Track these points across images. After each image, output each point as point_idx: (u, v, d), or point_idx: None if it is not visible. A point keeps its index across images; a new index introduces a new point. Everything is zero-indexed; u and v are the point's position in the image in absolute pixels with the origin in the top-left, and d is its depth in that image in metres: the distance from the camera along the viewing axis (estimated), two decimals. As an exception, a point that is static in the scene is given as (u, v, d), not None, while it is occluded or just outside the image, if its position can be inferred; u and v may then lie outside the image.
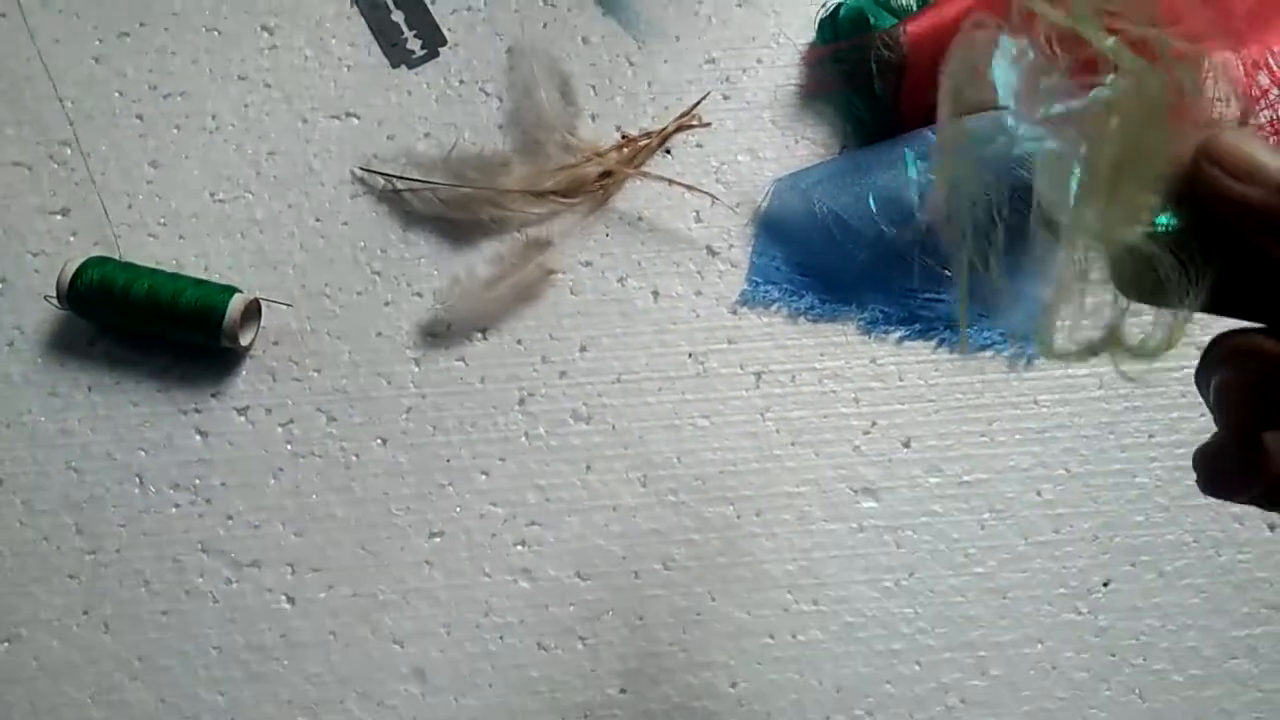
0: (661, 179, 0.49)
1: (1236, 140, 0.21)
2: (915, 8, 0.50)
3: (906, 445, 0.45)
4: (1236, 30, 0.46)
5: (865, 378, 0.47)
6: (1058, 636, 0.44)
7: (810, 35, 0.52)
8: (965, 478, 0.45)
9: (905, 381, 0.46)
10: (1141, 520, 0.45)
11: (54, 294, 0.45)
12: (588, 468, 0.46)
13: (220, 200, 0.49)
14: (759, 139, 0.51)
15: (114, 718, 0.42)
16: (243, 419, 0.46)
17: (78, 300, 0.45)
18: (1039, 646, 0.44)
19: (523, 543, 0.45)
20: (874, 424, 0.46)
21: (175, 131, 0.50)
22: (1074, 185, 0.24)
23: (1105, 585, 0.44)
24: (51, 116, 0.50)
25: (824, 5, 0.52)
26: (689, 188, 0.49)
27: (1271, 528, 0.45)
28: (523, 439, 0.46)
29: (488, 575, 0.44)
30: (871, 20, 0.49)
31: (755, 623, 0.44)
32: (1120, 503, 0.45)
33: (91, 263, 0.45)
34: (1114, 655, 0.43)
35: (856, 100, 0.49)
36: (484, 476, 0.46)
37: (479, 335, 0.48)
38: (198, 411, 0.46)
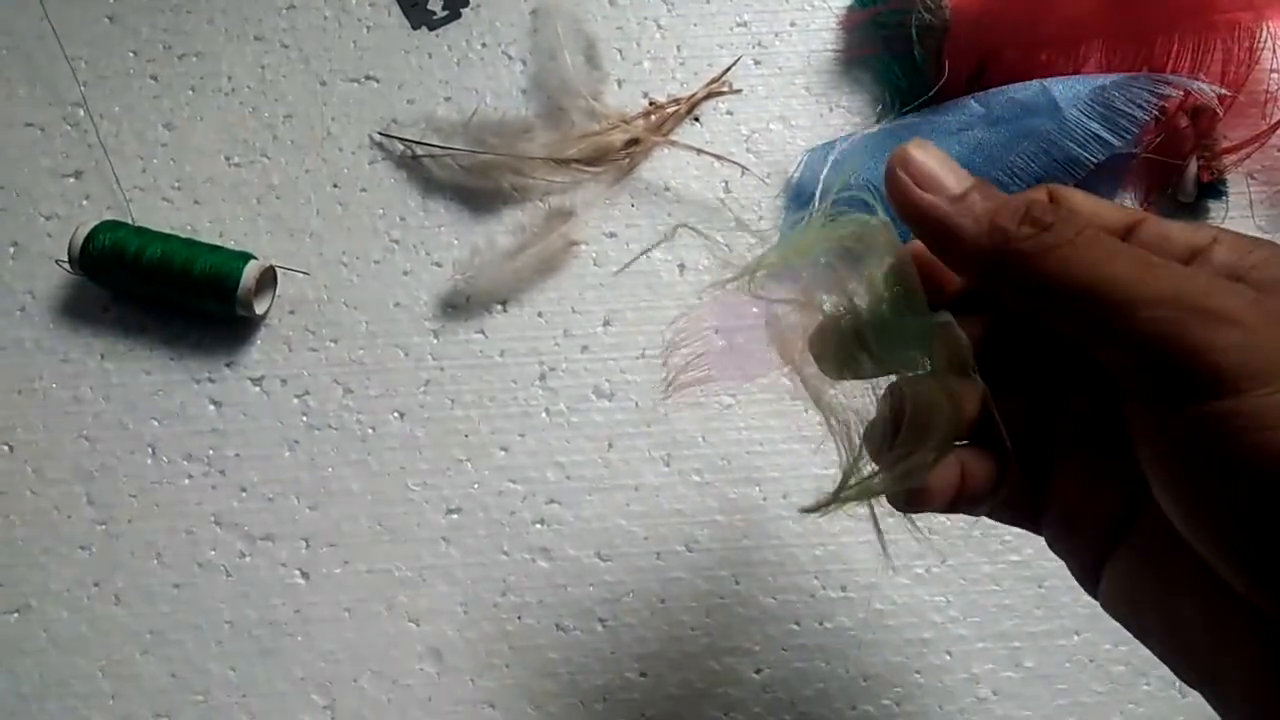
0: (690, 148, 0.48)
1: (924, 153, 0.25)
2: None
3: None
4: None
5: (899, 357, 0.45)
6: (1096, 628, 0.42)
7: (847, -1, 0.50)
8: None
9: (940, 361, 0.45)
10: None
11: (66, 258, 0.44)
12: (609, 445, 0.44)
13: (236, 164, 0.48)
14: (792, 106, 0.49)
15: (124, 691, 0.41)
16: (257, 389, 0.45)
17: (90, 265, 0.44)
18: (1076, 638, 0.42)
19: (542, 521, 0.43)
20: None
21: (190, 93, 0.49)
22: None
23: (1145, 576, 0.43)
24: (63, 77, 0.49)
25: (862, -33, 0.50)
26: (718, 157, 0.47)
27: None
28: (543, 415, 0.45)
29: (506, 554, 0.43)
30: (912, -18, 0.46)
31: (781, 608, 0.42)
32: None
33: (104, 227, 0.44)
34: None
35: (895, 66, 0.47)
36: (503, 452, 0.44)
37: (499, 307, 0.46)
38: (211, 381, 0.45)
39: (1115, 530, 0.26)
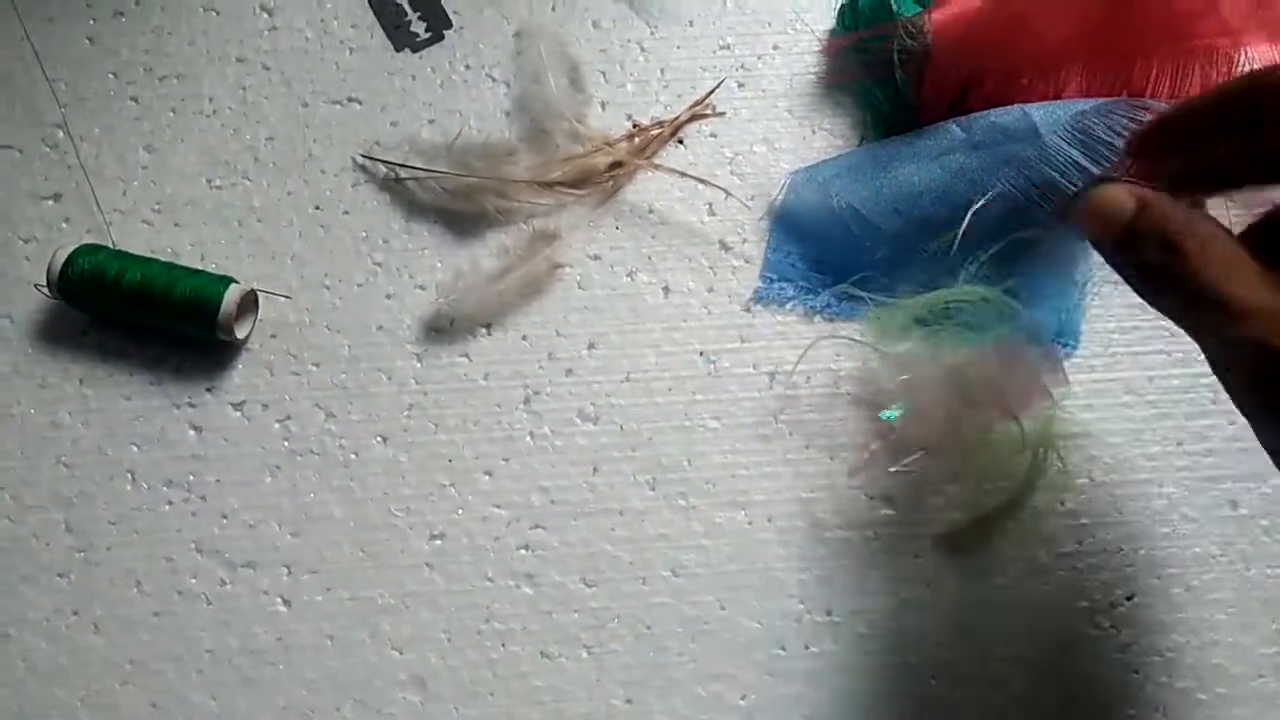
0: (673, 171, 0.48)
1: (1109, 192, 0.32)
2: (934, -4, 0.48)
3: (925, 451, 0.44)
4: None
5: (881, 379, 0.45)
6: (1078, 652, 0.42)
7: (829, 22, 0.50)
8: (986, 486, 0.44)
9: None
10: (1168, 532, 0.44)
11: (44, 283, 0.44)
12: (594, 469, 0.44)
13: (217, 187, 0.48)
14: (775, 129, 0.49)
15: (103, 722, 0.41)
16: (238, 414, 0.44)
17: (69, 290, 0.43)
18: (1060, 659, 0.42)
19: (526, 546, 0.43)
20: (891, 430, 0.44)
21: (171, 115, 0.49)
22: None
23: (1129, 599, 0.43)
24: (43, 98, 0.49)
25: (844, -9, 0.50)
26: (702, 181, 0.47)
27: (1303, 541, 0.43)
28: (527, 439, 0.45)
29: (490, 580, 0.43)
30: (894, 7, 0.47)
31: (766, 633, 0.42)
32: (1146, 514, 0.44)
33: (82, 251, 0.44)
34: (1137, 672, 0.42)
35: (877, 90, 0.47)
36: (487, 477, 0.44)
37: (483, 330, 0.46)
38: (192, 406, 0.45)
39: None
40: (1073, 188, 0.44)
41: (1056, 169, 0.44)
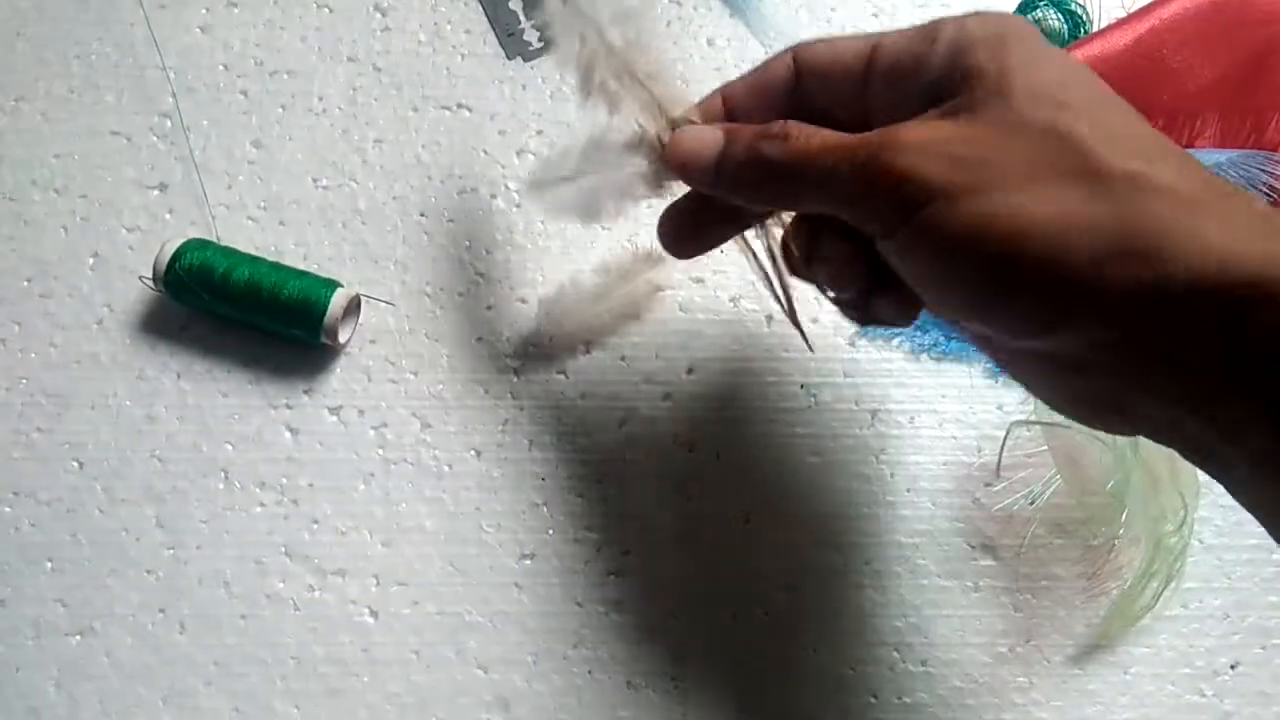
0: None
1: (682, 142, 0.34)
2: (1067, 34, 0.47)
3: (1030, 502, 0.43)
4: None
5: (990, 425, 0.44)
6: (1179, 719, 0.41)
7: (950, 54, 0.49)
8: (1093, 542, 0.42)
9: (1033, 432, 0.43)
10: (1276, 600, 0.42)
11: (148, 273, 0.44)
12: (688, 498, 0.43)
13: (324, 187, 0.47)
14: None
15: (185, 722, 0.40)
16: (334, 419, 0.44)
17: (174, 283, 0.43)
18: (1158, 728, 0.41)
19: (617, 573, 0.42)
20: (997, 476, 0.43)
21: (280, 111, 0.48)
22: None
23: (1233, 668, 0.42)
24: (154, 87, 0.48)
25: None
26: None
27: None
28: (622, 462, 0.44)
29: (579, 604, 0.42)
30: (1024, 44, 0.45)
31: (858, 679, 0.41)
32: (1254, 580, 0.43)
33: (192, 245, 0.43)
34: (1238, 744, 0.41)
35: (1000, 129, 0.46)
36: (579, 499, 0.43)
37: (581, 349, 0.45)
38: (289, 408, 0.44)
39: None
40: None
41: (1187, 221, 0.42)
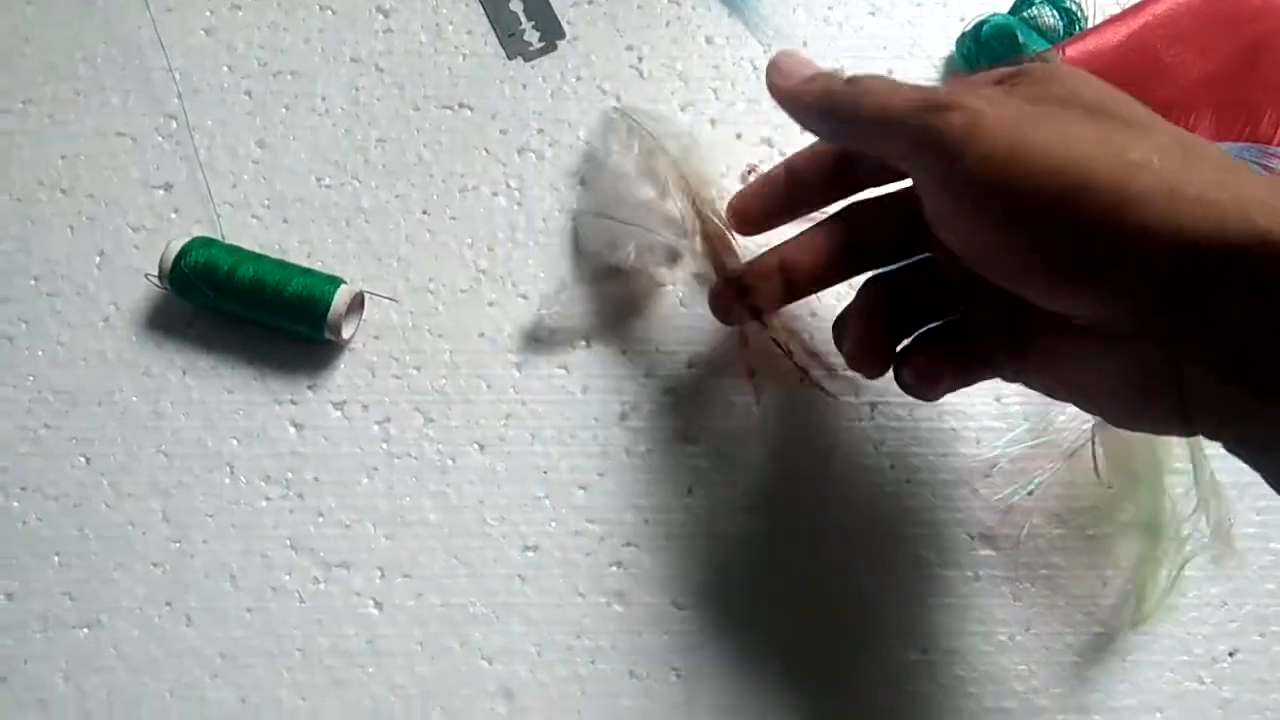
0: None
1: (786, 58, 0.38)
2: (1063, 30, 0.48)
3: (1030, 493, 0.43)
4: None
5: (988, 416, 0.44)
6: (1179, 706, 0.41)
7: (947, 48, 0.50)
8: (1090, 531, 0.43)
9: (1031, 424, 0.44)
10: (1273, 588, 0.43)
11: (154, 271, 0.44)
12: (689, 490, 0.44)
13: (327, 186, 0.48)
14: (886, 157, 0.48)
15: (192, 714, 0.41)
16: (339, 414, 0.44)
17: (180, 281, 0.43)
18: (1158, 715, 0.41)
19: (618, 564, 0.43)
20: (995, 467, 0.44)
21: (284, 111, 0.49)
22: None
23: (1231, 655, 0.42)
24: (160, 88, 0.49)
25: (963, 19, 0.49)
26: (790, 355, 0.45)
27: None
28: (623, 455, 0.44)
29: (581, 595, 0.42)
30: (1020, 38, 0.46)
31: (859, 668, 0.41)
32: (1252, 568, 0.43)
33: (197, 243, 0.44)
34: (1237, 731, 0.41)
35: (996, 124, 0.47)
36: (581, 491, 0.44)
37: (582, 343, 0.46)
38: (293, 403, 0.45)
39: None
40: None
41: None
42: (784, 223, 0.41)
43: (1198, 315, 0.27)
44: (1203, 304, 0.27)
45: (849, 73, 0.35)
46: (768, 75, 0.37)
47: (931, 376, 0.37)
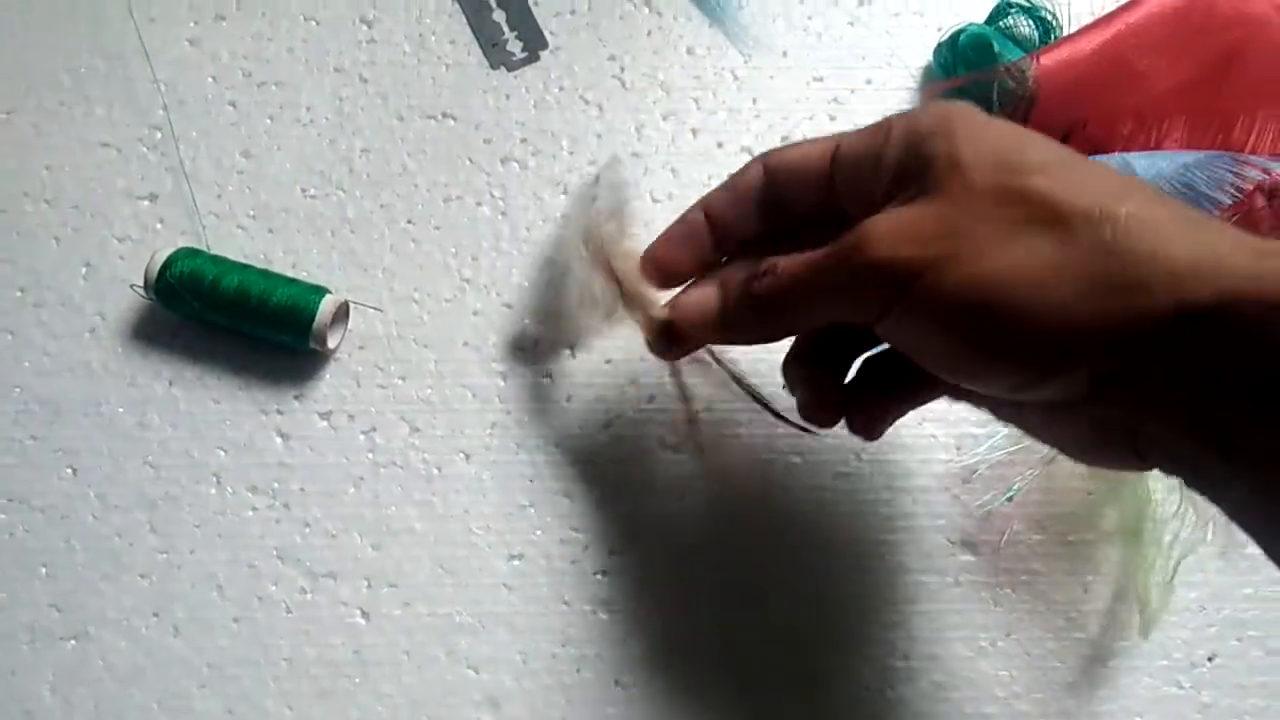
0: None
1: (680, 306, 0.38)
2: (1038, 40, 0.48)
3: (1009, 499, 0.43)
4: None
5: (968, 423, 0.45)
6: (1158, 711, 0.42)
7: (925, 58, 0.50)
8: (1070, 537, 0.43)
9: (1010, 431, 0.44)
10: (1250, 593, 0.43)
11: (139, 282, 0.44)
12: (673, 499, 0.44)
13: (311, 196, 0.48)
14: (867, 166, 0.49)
15: (179, 724, 0.41)
16: (325, 424, 0.45)
17: (165, 291, 0.44)
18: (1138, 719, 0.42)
19: (603, 572, 0.43)
20: (975, 473, 0.44)
21: (268, 121, 0.49)
22: None
23: (1210, 660, 0.42)
24: (144, 99, 0.49)
25: (940, 29, 0.50)
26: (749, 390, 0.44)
27: (1390, 611, 0.43)
28: (608, 464, 0.45)
29: (566, 604, 0.43)
30: (995, 48, 0.46)
31: (841, 675, 0.42)
32: (1229, 573, 0.43)
33: (182, 254, 0.44)
34: (1215, 733, 0.42)
35: (975, 133, 0.47)
36: (566, 500, 0.44)
37: (567, 353, 0.46)
38: (279, 413, 0.45)
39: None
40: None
41: (1156, 221, 0.43)
42: (709, 271, 0.39)
43: (1159, 381, 0.27)
44: (1162, 370, 0.27)
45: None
46: (681, 321, 0.38)
47: (876, 421, 0.37)
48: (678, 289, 0.39)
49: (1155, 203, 0.28)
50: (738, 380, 0.43)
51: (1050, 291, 0.27)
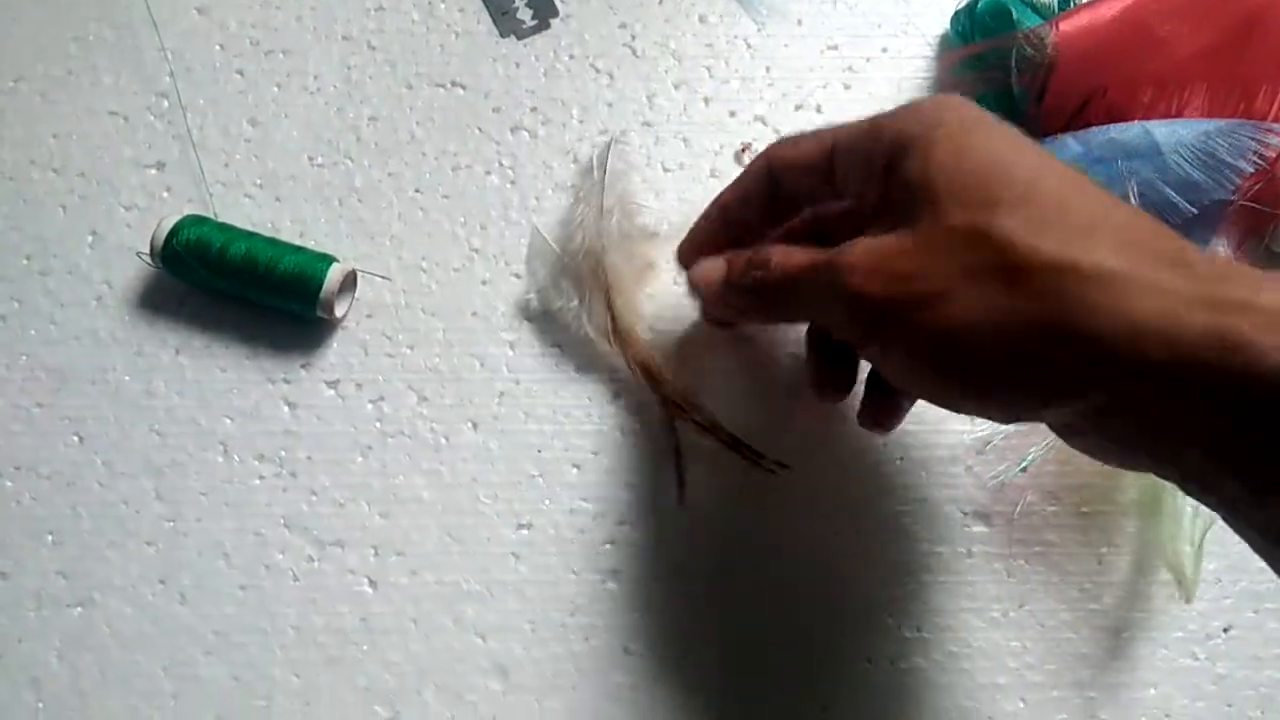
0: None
1: (697, 273, 0.40)
2: (1057, 6, 0.47)
3: (1022, 469, 0.43)
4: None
5: (982, 394, 0.44)
6: (1173, 682, 0.41)
7: (942, 26, 0.50)
8: (1084, 508, 0.43)
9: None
10: (1265, 565, 0.42)
11: (146, 250, 0.44)
12: (681, 469, 0.44)
13: (319, 165, 0.48)
14: (881, 135, 0.48)
15: (185, 691, 0.41)
16: (332, 392, 0.44)
17: (172, 259, 0.43)
18: (1152, 691, 0.41)
19: (612, 542, 0.43)
20: (989, 444, 0.44)
21: (276, 90, 0.49)
22: None
23: (1226, 631, 0.42)
24: (152, 67, 0.49)
25: (958, -3, 0.49)
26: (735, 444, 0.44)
27: None
28: (617, 434, 0.44)
29: (574, 573, 0.42)
30: (1014, 14, 0.46)
31: (853, 646, 0.41)
32: (1245, 546, 0.43)
33: (188, 221, 0.44)
34: (1231, 705, 0.41)
35: (991, 101, 0.46)
36: (575, 470, 0.44)
37: (575, 323, 0.46)
38: (286, 382, 0.44)
39: None
40: (1192, 210, 0.43)
41: (1175, 188, 0.43)
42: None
43: (1152, 416, 0.27)
44: (1129, 410, 0.27)
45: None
46: (693, 282, 0.40)
47: (885, 416, 0.39)
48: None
49: (1124, 246, 0.27)
50: (713, 427, 0.43)
51: (1001, 341, 0.28)
